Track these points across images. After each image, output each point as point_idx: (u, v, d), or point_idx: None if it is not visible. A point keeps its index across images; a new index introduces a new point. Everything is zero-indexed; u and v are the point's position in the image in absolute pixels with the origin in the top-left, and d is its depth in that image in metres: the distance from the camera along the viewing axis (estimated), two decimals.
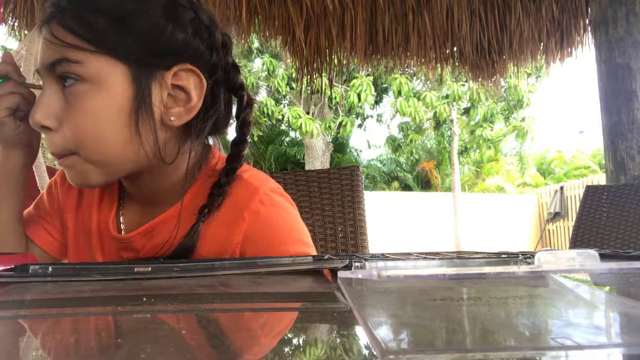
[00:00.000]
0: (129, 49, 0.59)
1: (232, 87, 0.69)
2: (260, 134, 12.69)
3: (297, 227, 0.70)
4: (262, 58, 10.55)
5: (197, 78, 0.62)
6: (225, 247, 0.65)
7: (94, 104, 0.59)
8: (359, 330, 0.25)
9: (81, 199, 0.76)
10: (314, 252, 0.67)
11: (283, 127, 13.61)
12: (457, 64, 3.33)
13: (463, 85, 10.14)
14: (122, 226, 0.72)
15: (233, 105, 0.71)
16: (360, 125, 14.39)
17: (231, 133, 0.74)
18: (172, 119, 0.62)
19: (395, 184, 14.88)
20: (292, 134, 14.26)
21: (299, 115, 9.80)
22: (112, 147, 0.60)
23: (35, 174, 1.57)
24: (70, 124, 0.59)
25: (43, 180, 1.57)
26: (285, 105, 12.06)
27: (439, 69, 3.33)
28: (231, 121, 0.72)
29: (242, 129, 0.69)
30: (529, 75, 10.36)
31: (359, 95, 9.99)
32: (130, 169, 0.64)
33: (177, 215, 0.65)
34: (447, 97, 10.90)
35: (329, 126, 10.40)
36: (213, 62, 0.65)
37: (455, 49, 3.23)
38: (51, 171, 1.70)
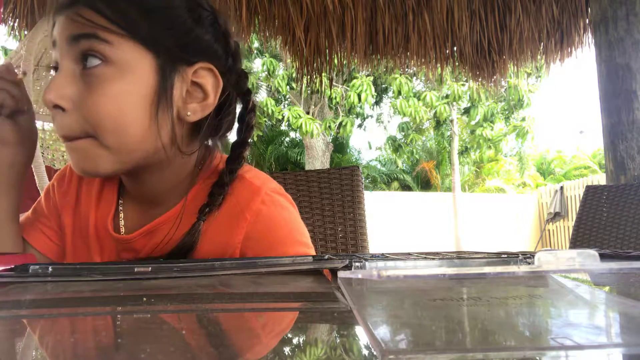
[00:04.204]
0: (159, 39, 0.60)
1: (241, 92, 0.71)
2: (260, 134, 12.69)
3: (298, 227, 0.70)
4: (262, 58, 10.55)
5: (214, 78, 0.64)
6: (225, 246, 0.65)
7: (118, 88, 0.58)
8: (359, 330, 0.25)
9: (79, 201, 0.76)
10: (314, 253, 0.67)
11: (283, 127, 13.60)
12: (457, 64, 3.33)
13: (463, 85, 10.14)
14: (122, 228, 0.72)
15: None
16: (360, 126, 14.39)
17: (231, 135, 0.75)
18: (189, 113, 0.63)
19: (395, 184, 14.87)
20: (292, 134, 14.26)
21: (299, 115, 9.80)
22: (132, 134, 0.60)
23: (34, 174, 1.56)
24: (90, 107, 0.58)
25: (42, 181, 1.57)
26: (286, 105, 12.05)
27: (439, 69, 3.33)
28: None
29: (245, 132, 0.71)
30: (529, 75, 10.35)
31: (359, 95, 9.99)
32: (143, 160, 0.63)
33: (179, 215, 0.66)
34: (447, 97, 10.89)
35: (329, 126, 10.40)
36: (228, 65, 0.67)
37: (455, 49, 3.24)
38: (50, 171, 1.70)
